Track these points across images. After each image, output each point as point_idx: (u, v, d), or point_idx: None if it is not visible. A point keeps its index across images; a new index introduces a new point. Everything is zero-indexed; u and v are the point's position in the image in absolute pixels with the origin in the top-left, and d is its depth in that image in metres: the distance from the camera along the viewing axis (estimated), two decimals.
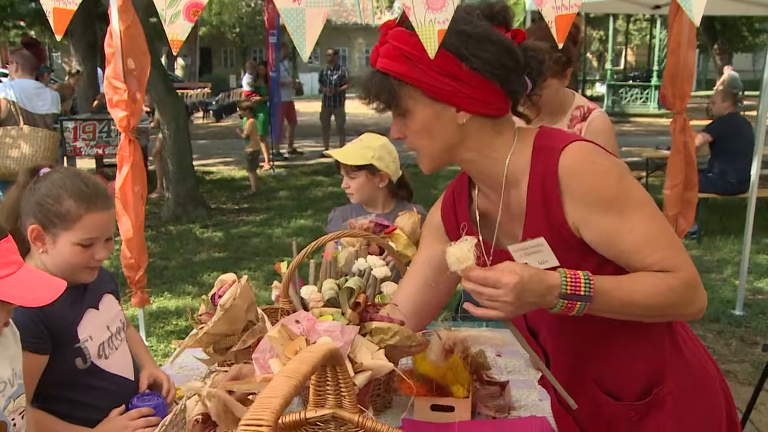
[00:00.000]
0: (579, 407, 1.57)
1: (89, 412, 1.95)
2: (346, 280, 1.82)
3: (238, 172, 12.13)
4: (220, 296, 1.76)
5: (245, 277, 1.76)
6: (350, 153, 2.76)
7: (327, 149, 13.75)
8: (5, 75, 12.05)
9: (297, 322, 1.48)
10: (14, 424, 1.54)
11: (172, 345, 5.00)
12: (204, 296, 1.89)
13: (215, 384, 1.87)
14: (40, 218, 1.87)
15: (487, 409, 2.05)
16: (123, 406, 1.97)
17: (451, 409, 1.98)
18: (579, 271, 1.43)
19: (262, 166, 11.69)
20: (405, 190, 2.96)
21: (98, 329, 2.01)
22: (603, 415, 1.68)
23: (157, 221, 8.62)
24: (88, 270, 1.95)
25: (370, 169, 2.77)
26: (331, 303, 1.77)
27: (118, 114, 4.43)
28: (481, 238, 1.58)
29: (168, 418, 1.79)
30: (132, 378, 2.10)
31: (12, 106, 5.78)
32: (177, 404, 1.96)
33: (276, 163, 12.46)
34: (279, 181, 11.41)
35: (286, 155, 13.79)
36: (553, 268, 1.45)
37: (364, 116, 20.56)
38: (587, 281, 1.41)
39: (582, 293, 1.41)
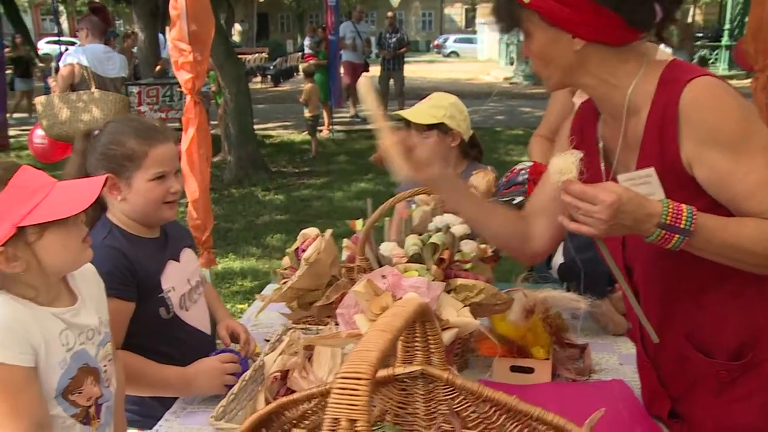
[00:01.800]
0: (664, 364, 1.53)
1: (168, 363, 1.97)
2: (430, 236, 1.78)
3: (298, 136, 12.17)
4: (303, 250, 1.74)
5: (329, 231, 1.74)
6: (420, 112, 2.70)
7: (386, 113, 13.71)
8: (72, 44, 12.31)
9: (383, 277, 1.45)
10: (105, 371, 1.56)
11: (237, 306, 5.07)
12: (288, 250, 1.87)
13: (292, 341, 1.87)
14: (109, 167, 1.89)
15: (567, 371, 2.00)
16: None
17: (530, 370, 1.94)
18: (683, 204, 1.38)
19: (321, 130, 11.69)
20: (476, 150, 2.89)
21: (180, 281, 2.03)
22: (689, 372, 1.62)
23: (220, 184, 8.72)
24: (168, 205, 1.97)
25: (441, 128, 2.70)
26: (414, 259, 1.74)
27: (183, 76, 4.44)
28: (603, 165, 1.58)
29: (248, 373, 1.80)
30: (209, 333, 2.12)
31: (84, 71, 5.88)
32: (254, 360, 1.98)
33: (335, 127, 12.46)
34: (338, 145, 11.41)
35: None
36: None
37: (422, 80, 20.41)
38: (690, 215, 1.37)
39: (682, 226, 1.36)
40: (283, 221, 7.14)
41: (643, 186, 1.47)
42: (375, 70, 14.55)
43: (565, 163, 1.41)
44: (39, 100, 5.79)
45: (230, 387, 1.86)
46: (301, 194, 8.28)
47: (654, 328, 1.57)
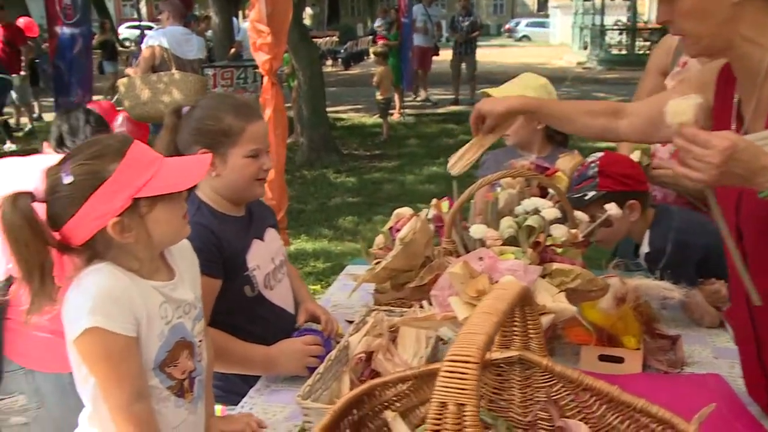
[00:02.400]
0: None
1: (252, 342, 1.99)
2: (525, 219, 1.73)
3: (369, 119, 12.18)
4: (398, 230, 1.72)
5: (425, 211, 1.71)
6: (508, 91, 2.64)
7: (457, 98, 13.63)
8: (150, 28, 12.60)
9: (480, 259, 1.42)
10: (199, 345, 1.58)
11: (311, 287, 5.11)
12: (383, 229, 1.85)
13: (376, 322, 1.86)
14: (205, 142, 1.89)
15: (659, 363, 1.92)
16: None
17: (620, 360, 1.88)
18: None
19: (392, 114, 11.67)
20: (562, 135, 2.81)
21: (264, 260, 2.04)
22: None
23: (292, 166, 8.79)
24: (259, 182, 1.98)
25: None
26: (509, 242, 1.70)
27: (261, 57, 4.49)
28: (734, 125, 1.52)
29: (333, 353, 1.79)
30: (293, 312, 2.13)
31: (165, 53, 6.01)
32: (337, 341, 1.98)
33: (406, 111, 12.42)
34: (409, 129, 11.37)
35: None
36: None
37: (494, 64, 20.13)
38: None
39: None
40: (354, 203, 7.16)
41: None
42: (445, 54, 14.43)
43: (682, 107, 1.36)
44: (122, 82, 5.96)
45: (311, 368, 1.87)
46: (372, 177, 8.29)
47: (760, 296, 1.49)
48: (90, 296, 1.38)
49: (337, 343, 1.92)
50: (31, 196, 1.37)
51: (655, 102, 1.79)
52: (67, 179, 1.37)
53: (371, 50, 12.60)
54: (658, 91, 2.47)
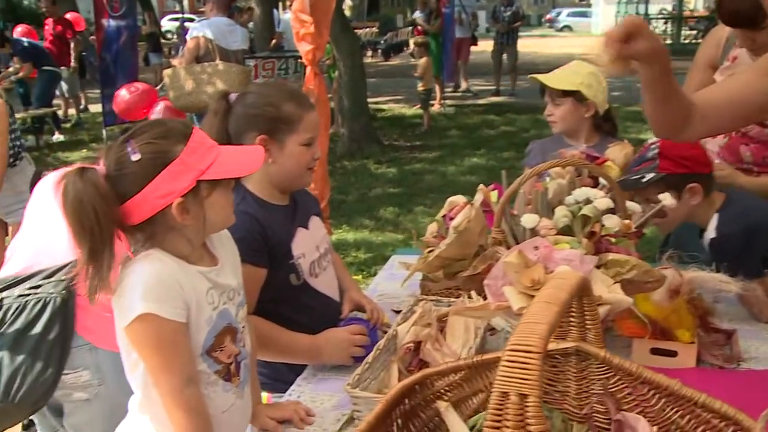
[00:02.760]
0: None
1: (297, 330, 1.99)
2: (580, 208, 1.70)
3: (409, 110, 12.14)
4: (451, 218, 1.70)
5: (479, 199, 1.69)
6: (557, 77, 2.60)
7: (498, 89, 13.52)
8: (192, 20, 12.73)
9: (535, 248, 1.39)
10: (242, 330, 1.59)
11: (353, 277, 5.12)
12: (437, 218, 1.84)
13: (424, 312, 1.84)
14: (263, 128, 1.89)
15: (714, 357, 1.87)
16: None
17: (673, 354, 1.83)
18: None
19: (432, 105, 11.62)
20: (610, 124, 2.75)
21: (309, 248, 2.04)
22: None
23: (333, 156, 8.81)
24: (310, 171, 1.99)
25: (576, 96, 2.59)
26: (564, 232, 1.67)
27: (304, 47, 4.48)
28: None
29: (381, 342, 1.78)
30: (338, 300, 2.12)
31: (209, 44, 6.06)
32: (383, 331, 1.97)
33: (447, 101, 12.35)
34: (450, 120, 11.31)
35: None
36: None
37: (535, 55, 19.89)
38: None
39: None
40: (395, 194, 7.15)
41: None
42: (484, 45, 14.30)
43: None
44: (167, 72, 6.01)
45: (356, 358, 1.86)
46: (413, 168, 8.27)
47: None
48: (141, 282, 1.39)
49: (383, 332, 1.91)
50: (95, 170, 1.37)
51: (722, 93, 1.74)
52: (135, 156, 1.38)
53: (411, 41, 12.53)
54: (707, 84, 2.38)
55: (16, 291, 2.00)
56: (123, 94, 6.50)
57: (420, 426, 1.24)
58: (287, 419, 1.70)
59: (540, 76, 2.66)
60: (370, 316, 2.06)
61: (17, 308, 1.98)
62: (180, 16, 17.45)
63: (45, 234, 2.02)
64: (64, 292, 1.99)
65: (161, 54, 15.29)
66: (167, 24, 25.26)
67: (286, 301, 2.00)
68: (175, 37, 18.07)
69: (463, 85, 14.08)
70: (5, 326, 1.96)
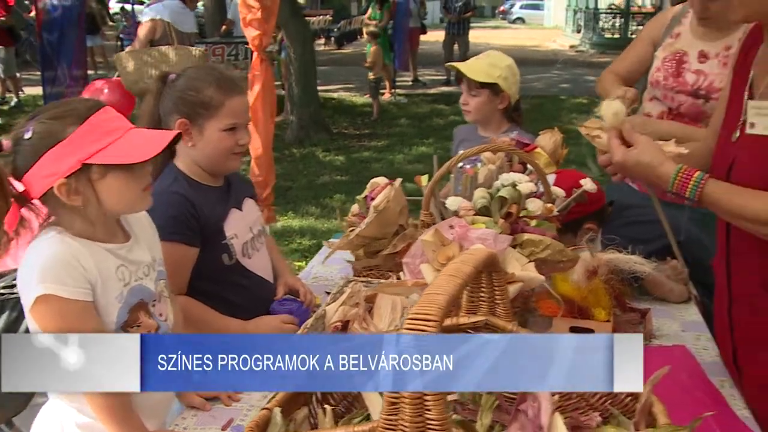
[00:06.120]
0: (739, 320, 1.63)
1: (231, 310, 2.02)
2: (498, 190, 1.77)
3: (360, 99, 12.16)
4: (372, 199, 1.75)
5: (399, 179, 1.74)
6: (477, 69, 2.66)
7: (449, 79, 13.58)
8: (142, 3, 12.47)
9: (451, 227, 1.45)
10: (158, 304, 1.61)
11: (296, 263, 5.14)
12: (358, 197, 1.88)
13: (353, 293, 1.89)
14: (184, 111, 1.92)
15: None
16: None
17: (590, 332, 1.92)
18: (697, 172, 1.49)
19: (383, 94, 11.66)
20: (517, 114, 2.83)
21: (242, 229, 2.07)
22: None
23: (281, 143, 8.80)
24: (234, 156, 2.00)
25: (493, 88, 2.66)
26: (482, 212, 1.73)
27: (251, 33, 4.47)
28: (747, 93, 1.57)
29: (309, 322, 1.83)
30: (271, 280, 2.16)
31: (167, 27, 5.99)
32: (315, 311, 2.01)
33: (397, 90, 12.40)
34: (400, 109, 11.37)
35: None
36: None
37: (486, 45, 20.08)
38: (696, 184, 1.48)
39: (687, 195, 1.50)
40: (343, 182, 7.18)
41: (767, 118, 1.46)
42: (438, 35, 14.37)
43: (615, 108, 1.60)
44: (118, 56, 5.90)
45: None
46: (361, 156, 8.31)
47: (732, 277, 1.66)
48: (38, 265, 1.42)
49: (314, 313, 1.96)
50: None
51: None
52: (27, 134, 1.43)
53: (363, 30, 12.53)
54: (646, 58, 2.62)
55: None
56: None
57: (339, 397, 1.29)
58: (214, 396, 1.73)
59: (459, 65, 2.71)
60: (303, 299, 2.11)
61: None
62: None
63: None
64: None
65: (97, 36, 14.68)
66: (116, 6, 24.67)
67: (219, 280, 2.03)
68: (124, 20, 17.66)
69: (412, 74, 14.15)
70: None
